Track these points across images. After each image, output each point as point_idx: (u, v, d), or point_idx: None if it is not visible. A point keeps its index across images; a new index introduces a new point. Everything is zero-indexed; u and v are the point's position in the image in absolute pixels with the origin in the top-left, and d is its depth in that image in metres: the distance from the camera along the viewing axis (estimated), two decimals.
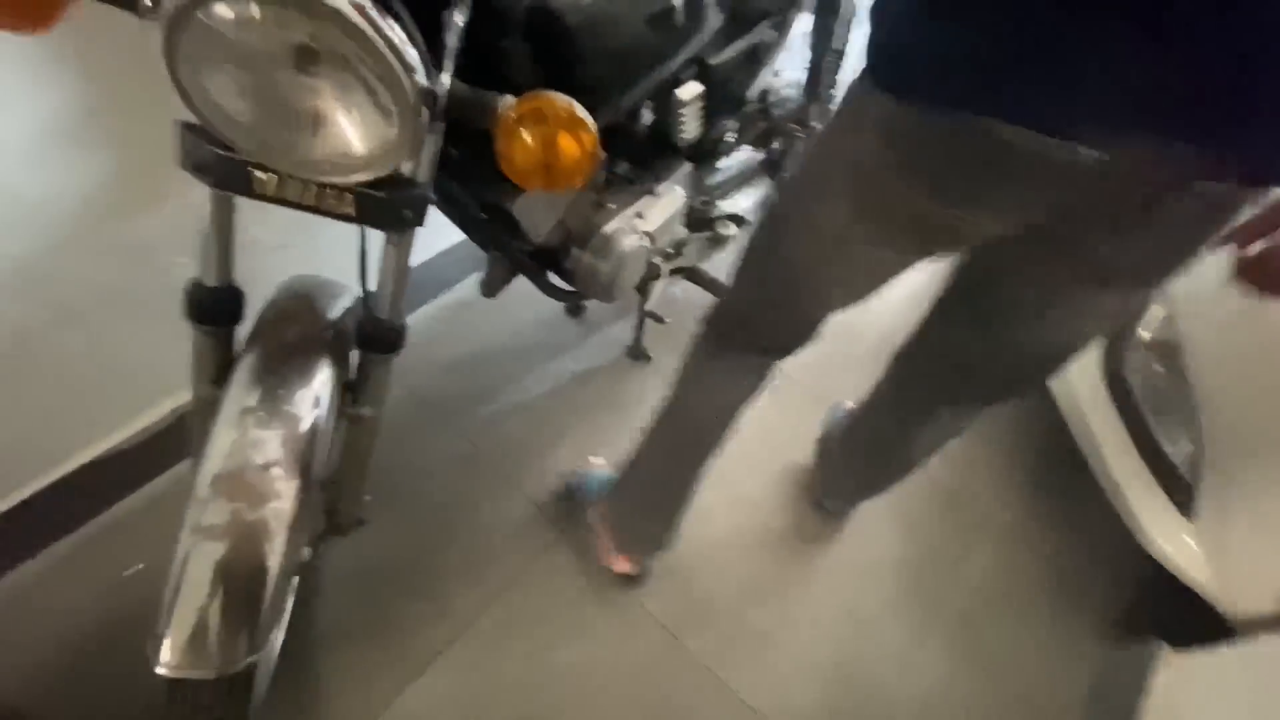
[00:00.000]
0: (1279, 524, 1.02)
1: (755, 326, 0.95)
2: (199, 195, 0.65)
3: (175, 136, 0.60)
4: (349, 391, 0.81)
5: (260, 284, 0.78)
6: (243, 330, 0.76)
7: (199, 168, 0.61)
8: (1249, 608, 1.03)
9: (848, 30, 1.41)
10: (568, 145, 0.55)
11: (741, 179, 1.47)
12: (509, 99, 0.56)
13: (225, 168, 0.60)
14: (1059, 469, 1.45)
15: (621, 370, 1.60)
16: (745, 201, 1.48)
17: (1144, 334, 1.20)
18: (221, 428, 0.67)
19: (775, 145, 1.50)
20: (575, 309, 1.66)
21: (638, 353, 1.59)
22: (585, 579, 1.25)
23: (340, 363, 0.78)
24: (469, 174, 0.86)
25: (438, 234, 1.51)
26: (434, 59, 0.56)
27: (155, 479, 1.25)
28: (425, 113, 0.55)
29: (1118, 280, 0.67)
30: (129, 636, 0.79)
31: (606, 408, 1.51)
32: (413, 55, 0.53)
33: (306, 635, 1.10)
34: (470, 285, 1.69)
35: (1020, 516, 1.46)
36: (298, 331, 0.77)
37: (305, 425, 0.70)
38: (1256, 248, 0.60)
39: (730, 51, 1.07)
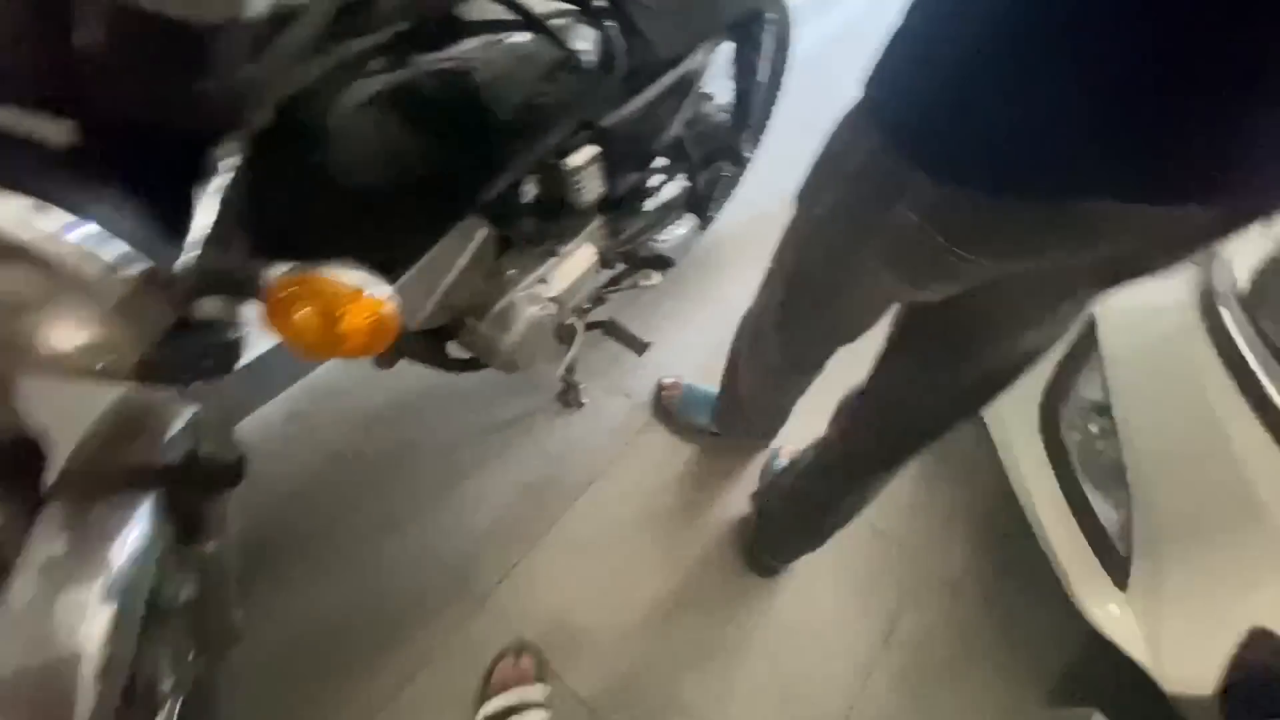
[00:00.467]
0: (1215, 602, 0.97)
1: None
2: None
3: None
4: (187, 529, 0.73)
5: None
6: None
7: None
8: (1187, 689, 0.99)
9: (776, 63, 1.32)
10: (352, 320, 0.47)
11: (665, 214, 1.38)
12: (275, 273, 0.48)
13: None
14: (1003, 521, 1.40)
15: (552, 417, 1.53)
16: (673, 235, 1.39)
17: (1084, 394, 1.14)
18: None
19: (703, 177, 1.41)
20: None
21: (569, 399, 1.51)
22: None
23: (175, 493, 0.71)
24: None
25: None
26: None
27: None
28: (157, 297, 0.46)
29: (1112, 283, 0.64)
30: None
31: (538, 460, 1.44)
32: (107, 253, 0.44)
33: None
34: None
35: (963, 572, 1.41)
36: (121, 462, 0.69)
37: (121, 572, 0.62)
38: None
39: (629, 109, 0.98)
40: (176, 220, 0.46)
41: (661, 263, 1.37)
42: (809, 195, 0.80)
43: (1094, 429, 1.11)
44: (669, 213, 1.37)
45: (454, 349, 1.09)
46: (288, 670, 1.13)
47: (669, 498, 1.43)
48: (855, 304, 0.84)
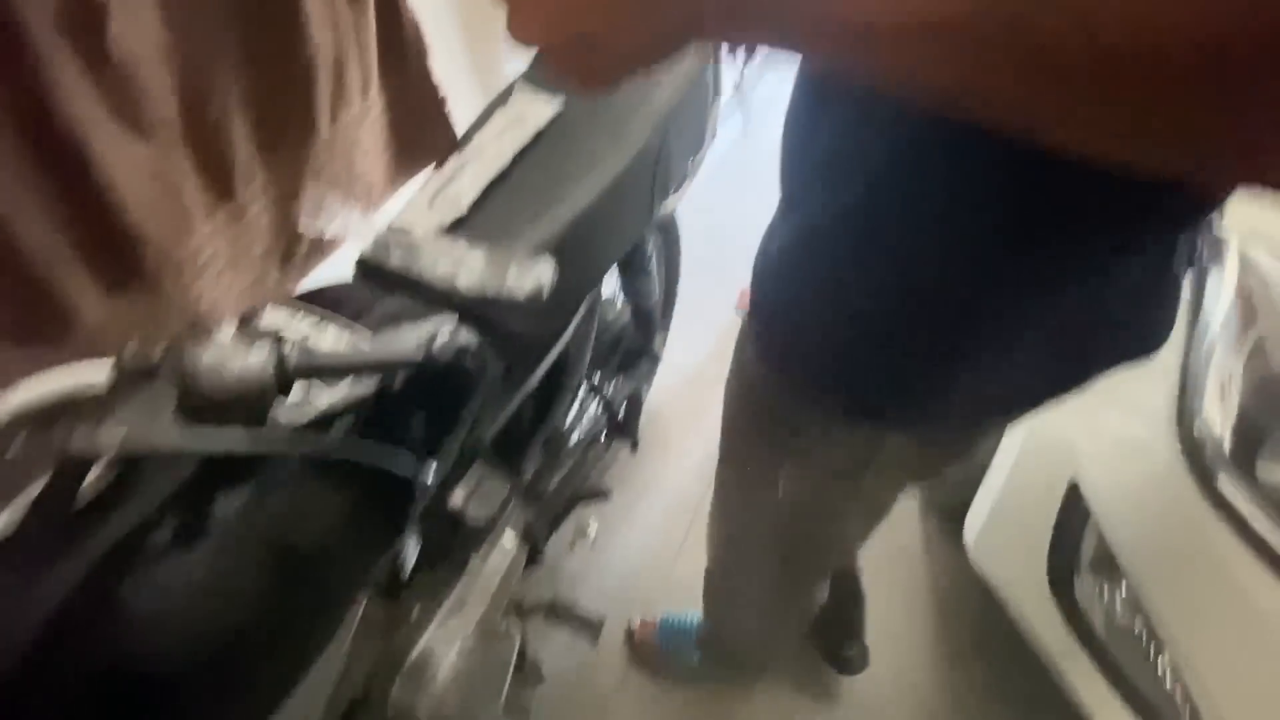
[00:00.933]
0: None
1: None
2: None
3: None
4: None
5: None
6: None
7: None
8: None
9: (671, 262, 1.26)
10: None
11: (587, 453, 1.25)
12: None
13: None
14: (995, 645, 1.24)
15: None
16: (599, 472, 1.27)
17: (1089, 560, 1.02)
18: None
19: (619, 397, 1.30)
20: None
21: (527, 679, 1.30)
22: None
23: None
24: None
25: None
26: None
27: None
28: None
29: None
30: None
31: None
32: None
33: None
34: None
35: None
36: None
37: None
38: None
39: (512, 405, 0.86)
40: None
41: (597, 497, 1.23)
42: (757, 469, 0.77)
43: (1111, 597, 0.99)
44: (591, 448, 1.25)
45: None
46: None
47: None
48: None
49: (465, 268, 0.64)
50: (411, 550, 0.79)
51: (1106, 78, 0.23)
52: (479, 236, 0.75)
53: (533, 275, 0.63)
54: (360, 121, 0.97)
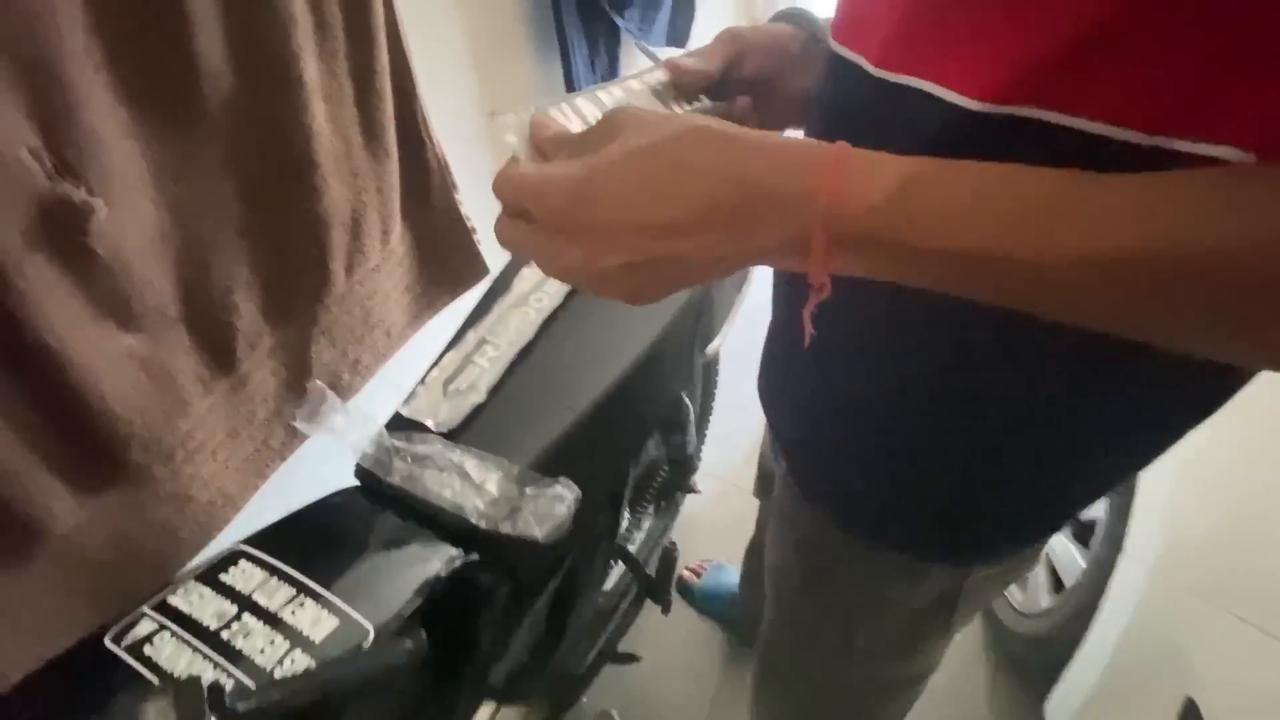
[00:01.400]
0: None
1: None
2: None
3: None
4: None
5: None
6: None
7: None
8: None
9: (705, 400, 1.16)
10: None
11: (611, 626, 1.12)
12: None
13: None
14: None
15: None
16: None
17: None
18: None
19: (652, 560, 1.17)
20: None
21: None
22: None
23: None
24: None
25: None
26: None
27: None
28: None
29: None
30: None
31: None
32: None
33: None
34: None
35: None
36: None
37: None
38: None
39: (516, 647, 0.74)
40: None
41: (625, 661, 1.11)
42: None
43: None
44: (615, 614, 1.12)
45: None
46: None
47: None
48: None
49: (474, 500, 0.54)
50: None
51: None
52: (497, 433, 0.65)
53: (551, 510, 0.53)
54: (379, 270, 0.90)
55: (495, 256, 0.96)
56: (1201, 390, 0.43)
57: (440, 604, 0.55)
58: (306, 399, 0.63)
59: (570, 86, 1.14)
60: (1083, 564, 1.17)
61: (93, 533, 0.67)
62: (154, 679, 0.47)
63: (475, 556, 0.56)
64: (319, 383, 0.66)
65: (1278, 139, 0.29)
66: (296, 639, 0.49)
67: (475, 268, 1.05)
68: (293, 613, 0.51)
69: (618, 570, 1.10)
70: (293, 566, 0.51)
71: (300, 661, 0.48)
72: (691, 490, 1.19)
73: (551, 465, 0.62)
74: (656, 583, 1.00)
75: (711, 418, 1.35)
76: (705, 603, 1.47)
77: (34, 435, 0.59)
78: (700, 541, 1.60)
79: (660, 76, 0.48)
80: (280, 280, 0.77)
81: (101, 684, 0.48)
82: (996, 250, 0.29)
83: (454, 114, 1.06)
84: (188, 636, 0.50)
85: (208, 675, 0.47)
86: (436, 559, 0.54)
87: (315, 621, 0.50)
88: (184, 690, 0.41)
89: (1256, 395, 0.42)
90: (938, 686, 0.75)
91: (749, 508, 1.05)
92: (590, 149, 0.34)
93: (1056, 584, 1.25)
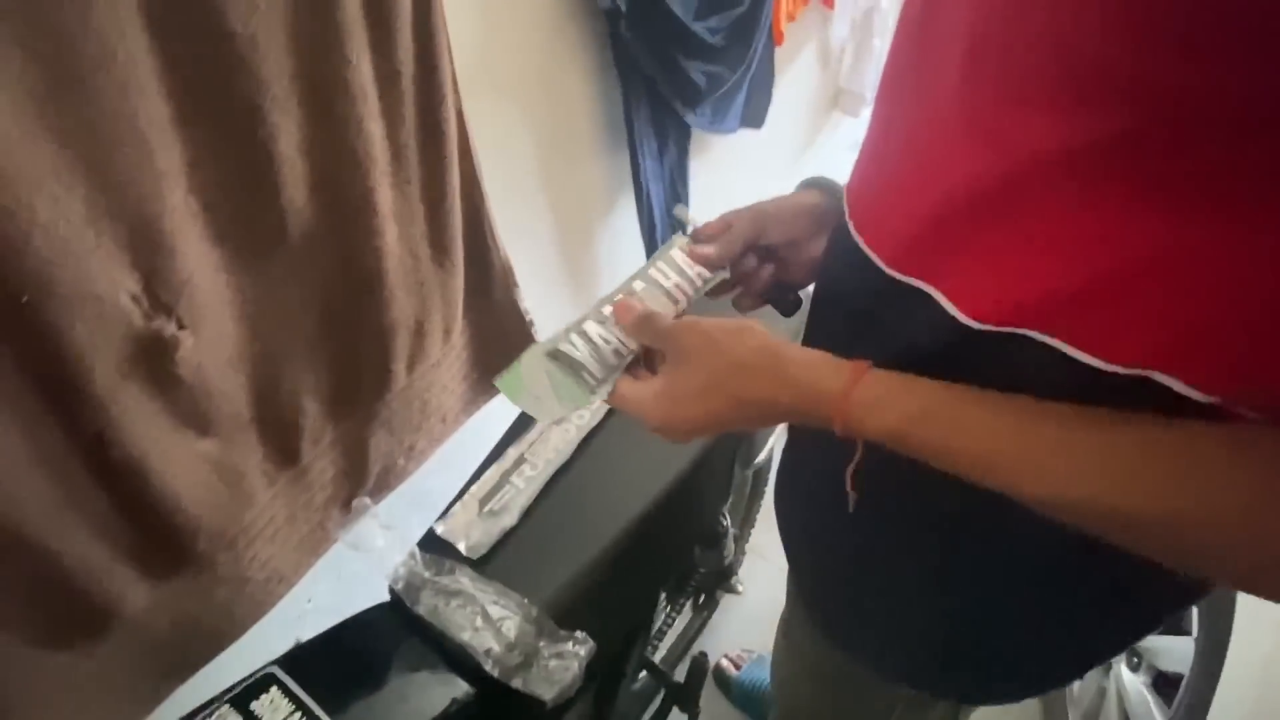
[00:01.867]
0: None
1: None
2: None
3: None
4: None
5: None
6: None
7: None
8: None
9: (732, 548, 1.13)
10: None
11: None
12: None
13: None
14: None
15: None
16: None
17: None
18: None
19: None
20: None
21: None
22: None
23: None
24: None
25: None
26: None
27: None
28: None
29: None
30: None
31: None
32: None
33: None
34: None
35: None
36: None
37: None
38: None
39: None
40: None
41: None
42: None
43: None
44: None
45: None
46: None
47: None
48: None
49: (491, 642, 0.56)
50: None
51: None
52: (524, 562, 0.67)
53: (561, 675, 0.54)
54: (439, 365, 0.95)
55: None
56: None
57: None
58: (350, 516, 0.67)
59: (637, 185, 1.17)
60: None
61: (159, 614, 0.73)
62: None
63: (489, 690, 0.58)
64: (367, 500, 0.70)
65: (1246, 392, 0.32)
66: None
67: None
68: None
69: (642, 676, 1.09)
70: (316, 700, 0.55)
71: None
72: (731, 591, 1.18)
73: (576, 600, 0.64)
74: (685, 691, 0.99)
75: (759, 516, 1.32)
76: (743, 701, 1.43)
77: (113, 531, 0.66)
78: (743, 627, 1.56)
79: (679, 259, 0.52)
80: (345, 382, 0.82)
81: None
82: (979, 479, 0.37)
83: (518, 214, 1.11)
84: None
85: None
86: (452, 693, 0.56)
87: None
88: None
89: None
90: None
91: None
92: (667, 369, 0.51)
93: None
